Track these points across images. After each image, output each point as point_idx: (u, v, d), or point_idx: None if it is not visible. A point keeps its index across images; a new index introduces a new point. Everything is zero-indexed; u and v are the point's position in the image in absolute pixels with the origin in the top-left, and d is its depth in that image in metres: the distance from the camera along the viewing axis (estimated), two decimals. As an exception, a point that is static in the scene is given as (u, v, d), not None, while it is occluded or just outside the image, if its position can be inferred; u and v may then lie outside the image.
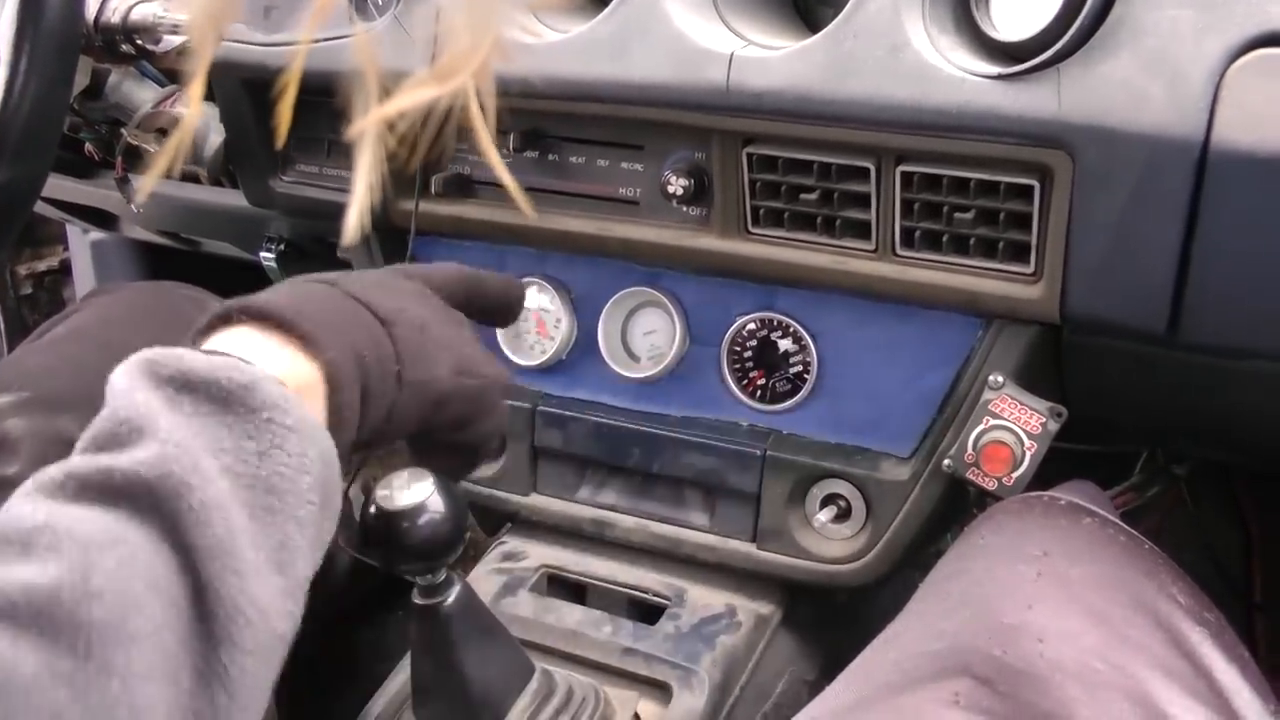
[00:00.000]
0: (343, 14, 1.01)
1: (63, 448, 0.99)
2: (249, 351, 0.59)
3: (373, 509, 0.74)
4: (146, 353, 0.57)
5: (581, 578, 1.05)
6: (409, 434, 0.70)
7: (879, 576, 0.98)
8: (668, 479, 1.04)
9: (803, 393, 0.99)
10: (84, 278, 1.82)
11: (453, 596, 0.77)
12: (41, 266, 2.04)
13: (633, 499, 1.06)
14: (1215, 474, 1.45)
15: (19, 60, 0.84)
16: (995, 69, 0.79)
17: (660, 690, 0.92)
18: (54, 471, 0.53)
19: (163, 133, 1.16)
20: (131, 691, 0.48)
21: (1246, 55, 0.72)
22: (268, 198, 1.13)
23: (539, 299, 1.06)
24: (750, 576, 1.02)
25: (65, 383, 0.97)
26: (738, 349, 1.01)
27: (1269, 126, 0.71)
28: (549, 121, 0.99)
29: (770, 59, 0.86)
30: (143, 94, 1.17)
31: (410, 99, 0.54)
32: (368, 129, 0.55)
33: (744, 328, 1.00)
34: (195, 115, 1.11)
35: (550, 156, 1.00)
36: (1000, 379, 0.89)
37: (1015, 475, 0.89)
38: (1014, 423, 0.89)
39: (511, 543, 1.09)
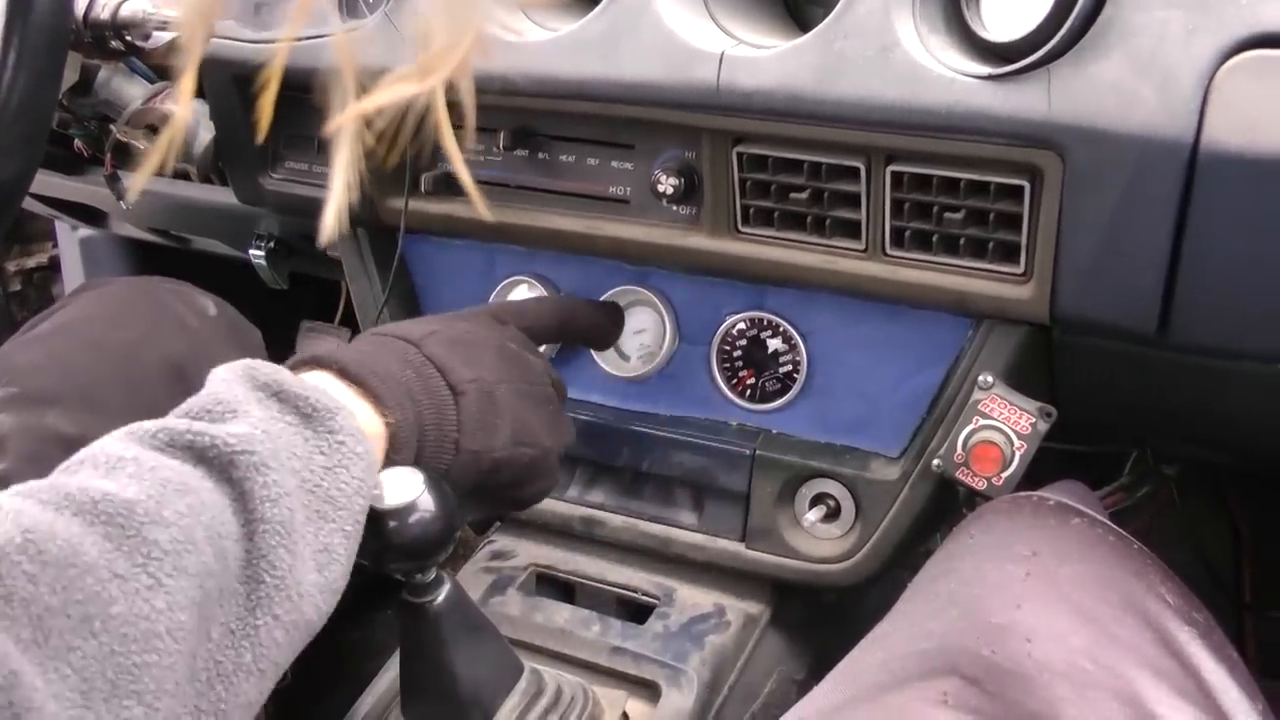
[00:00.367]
0: (332, 11, 1.01)
1: (51, 443, 1.00)
2: (331, 390, 0.68)
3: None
4: (248, 360, 0.66)
5: (570, 577, 1.05)
6: (463, 493, 0.77)
7: (868, 576, 0.98)
8: (657, 478, 1.04)
9: (792, 392, 0.99)
10: (73, 274, 1.81)
11: (442, 595, 0.77)
12: (30, 263, 2.04)
13: (622, 498, 1.06)
14: (1205, 474, 1.45)
15: (7, 55, 0.84)
16: (986, 69, 0.79)
17: (649, 689, 0.92)
18: (150, 425, 0.60)
19: (152, 129, 1.15)
20: (171, 613, 0.53)
21: (1236, 57, 0.72)
22: (257, 195, 1.13)
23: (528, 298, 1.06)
24: (739, 576, 1.02)
25: (52, 378, 0.97)
26: (727, 348, 1.01)
27: (1259, 128, 0.71)
28: (539, 120, 0.99)
29: (760, 58, 0.85)
30: (132, 90, 1.16)
31: (388, 95, 0.55)
32: (345, 126, 0.56)
33: (734, 327, 1.00)
34: (185, 112, 1.10)
35: (540, 155, 1.00)
36: (990, 379, 0.89)
37: (1005, 475, 0.89)
38: (1003, 423, 0.89)
39: (500, 541, 1.09)
